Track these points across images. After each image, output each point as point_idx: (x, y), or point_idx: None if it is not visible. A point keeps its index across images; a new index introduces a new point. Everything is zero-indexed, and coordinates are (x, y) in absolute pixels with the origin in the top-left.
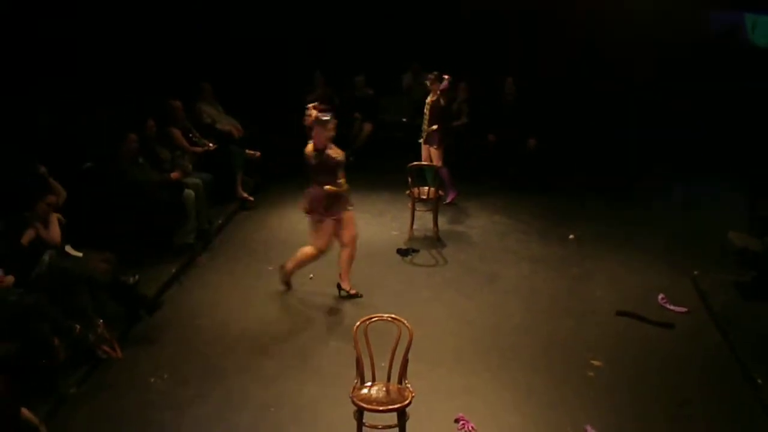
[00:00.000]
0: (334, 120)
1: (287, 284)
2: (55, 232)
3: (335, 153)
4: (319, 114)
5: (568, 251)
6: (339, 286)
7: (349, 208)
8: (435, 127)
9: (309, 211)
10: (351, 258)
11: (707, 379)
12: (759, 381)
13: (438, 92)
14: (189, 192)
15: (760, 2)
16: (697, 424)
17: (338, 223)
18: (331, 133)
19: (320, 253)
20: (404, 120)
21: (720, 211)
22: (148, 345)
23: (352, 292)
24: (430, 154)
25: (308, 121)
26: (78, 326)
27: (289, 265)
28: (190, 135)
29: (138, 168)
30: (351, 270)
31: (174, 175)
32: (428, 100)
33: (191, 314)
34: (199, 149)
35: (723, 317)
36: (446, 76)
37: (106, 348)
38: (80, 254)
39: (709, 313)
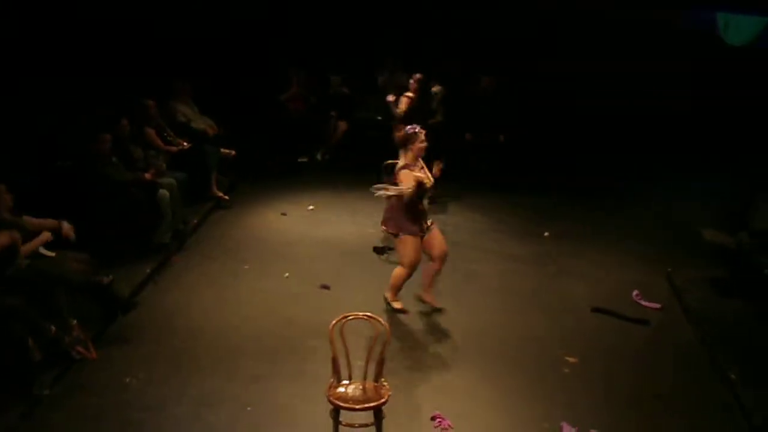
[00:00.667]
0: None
1: (402, 310)
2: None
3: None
4: (409, 129)
5: (544, 249)
6: (421, 299)
7: (429, 221)
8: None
9: (391, 228)
10: (436, 273)
11: (681, 375)
12: (732, 376)
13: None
14: (163, 192)
15: (732, 1)
16: (671, 419)
17: (424, 237)
18: (424, 144)
19: (412, 269)
20: (379, 118)
21: (694, 208)
22: (123, 345)
23: (437, 305)
24: None
25: (400, 137)
26: (53, 327)
27: (389, 294)
28: (165, 134)
29: (112, 168)
30: (434, 285)
31: (148, 175)
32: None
33: (166, 314)
34: (173, 148)
35: (696, 313)
36: (417, 75)
37: (80, 348)
38: (53, 254)
39: (683, 309)
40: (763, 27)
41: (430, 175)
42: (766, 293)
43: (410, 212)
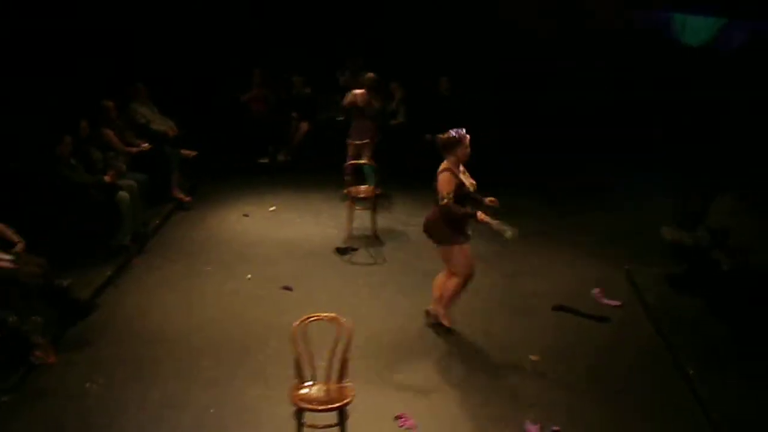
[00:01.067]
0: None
1: (449, 329)
2: None
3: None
4: (454, 133)
5: (504, 248)
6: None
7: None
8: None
9: (436, 237)
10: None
11: (641, 371)
12: (690, 372)
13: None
14: (123, 194)
15: (689, 2)
16: (634, 415)
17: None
18: (468, 150)
19: (467, 279)
20: (341, 119)
21: (652, 205)
22: (83, 349)
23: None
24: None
25: (443, 140)
26: (13, 317)
27: (439, 309)
28: (124, 135)
29: (71, 170)
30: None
31: (108, 177)
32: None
33: (127, 317)
34: (133, 150)
35: (656, 310)
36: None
37: (38, 353)
38: (10, 257)
39: (643, 305)
40: (720, 28)
41: (472, 179)
42: (724, 289)
43: (455, 219)
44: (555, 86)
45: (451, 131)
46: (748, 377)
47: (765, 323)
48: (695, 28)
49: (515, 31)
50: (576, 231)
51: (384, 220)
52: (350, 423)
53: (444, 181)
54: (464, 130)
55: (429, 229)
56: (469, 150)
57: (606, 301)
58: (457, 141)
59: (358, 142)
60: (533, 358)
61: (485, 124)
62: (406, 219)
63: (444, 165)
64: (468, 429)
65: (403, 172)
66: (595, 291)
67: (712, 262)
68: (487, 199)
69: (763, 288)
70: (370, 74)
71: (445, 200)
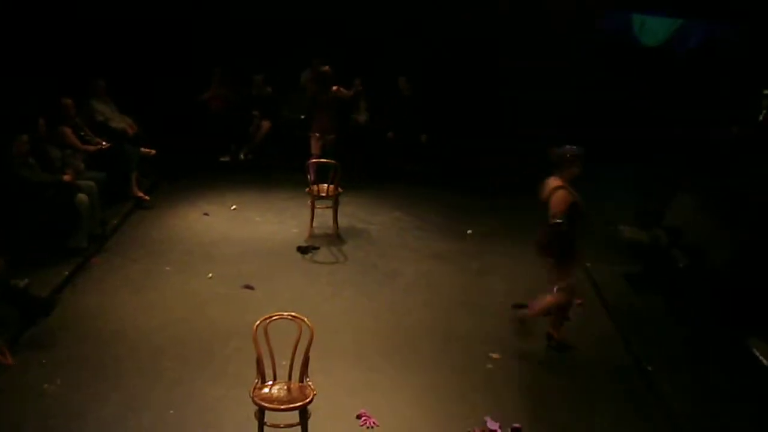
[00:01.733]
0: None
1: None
2: None
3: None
4: (569, 150)
5: (467, 246)
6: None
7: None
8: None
9: (552, 254)
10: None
11: (601, 367)
12: (649, 368)
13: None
14: (82, 196)
15: (647, 3)
16: (594, 411)
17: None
18: (579, 171)
19: (573, 295)
20: (303, 117)
21: (611, 204)
22: (41, 350)
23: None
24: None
25: (556, 155)
26: None
27: (554, 332)
28: (82, 133)
29: (28, 169)
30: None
31: (66, 177)
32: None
33: (86, 317)
34: (91, 148)
35: (614, 307)
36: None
37: None
38: None
39: (602, 303)
40: (677, 28)
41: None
42: (681, 287)
43: (572, 236)
44: (517, 86)
45: (567, 147)
46: (706, 373)
47: (721, 320)
48: (653, 29)
49: (478, 32)
50: (533, 228)
51: (346, 219)
52: (312, 422)
53: (560, 199)
54: (578, 147)
55: (546, 247)
56: (579, 171)
57: None
58: (572, 161)
59: (318, 135)
60: (494, 355)
61: (447, 123)
62: (367, 217)
63: (557, 182)
64: (429, 426)
65: (366, 169)
66: (555, 289)
67: (669, 260)
68: None
69: (719, 285)
70: (325, 67)
71: (558, 220)
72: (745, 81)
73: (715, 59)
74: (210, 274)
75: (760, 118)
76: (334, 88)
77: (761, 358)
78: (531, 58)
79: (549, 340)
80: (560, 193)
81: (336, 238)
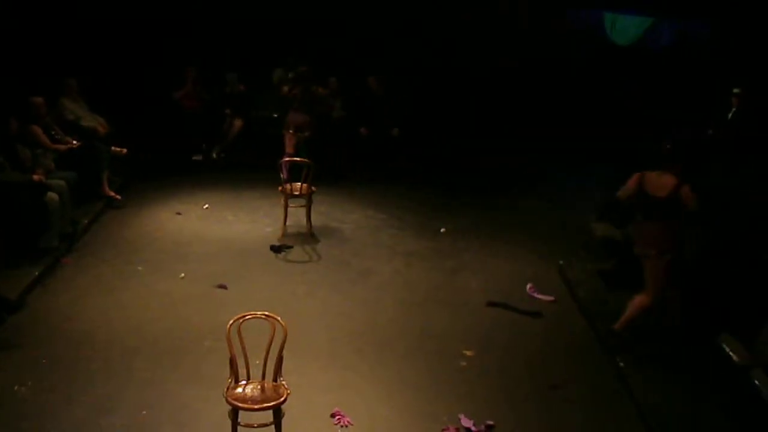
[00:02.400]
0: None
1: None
2: None
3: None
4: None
5: (440, 244)
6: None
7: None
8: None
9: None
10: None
11: (574, 364)
12: (621, 364)
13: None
14: (52, 195)
15: (619, 2)
16: (566, 406)
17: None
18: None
19: (655, 299)
20: (275, 116)
21: (583, 202)
22: (10, 351)
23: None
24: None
25: (667, 149)
26: None
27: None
28: (53, 132)
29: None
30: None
31: (36, 177)
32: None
33: (56, 318)
34: (61, 147)
35: (587, 304)
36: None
37: None
38: None
39: (575, 300)
40: (647, 27)
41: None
42: None
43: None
44: (493, 85)
45: (678, 140)
46: (676, 368)
47: (693, 315)
48: (624, 28)
49: (458, 31)
50: (510, 227)
51: (319, 218)
52: (286, 421)
53: (691, 194)
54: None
55: (656, 240)
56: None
57: (539, 296)
58: (686, 152)
59: (292, 132)
60: (468, 353)
61: (420, 121)
62: (341, 216)
63: (672, 177)
64: (403, 424)
65: (339, 167)
66: (529, 286)
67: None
68: None
69: (691, 280)
70: (304, 67)
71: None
72: (716, 79)
73: (687, 58)
74: (182, 274)
75: (729, 116)
76: (314, 87)
77: (731, 354)
78: (510, 56)
79: (612, 335)
80: (687, 188)
81: (309, 236)
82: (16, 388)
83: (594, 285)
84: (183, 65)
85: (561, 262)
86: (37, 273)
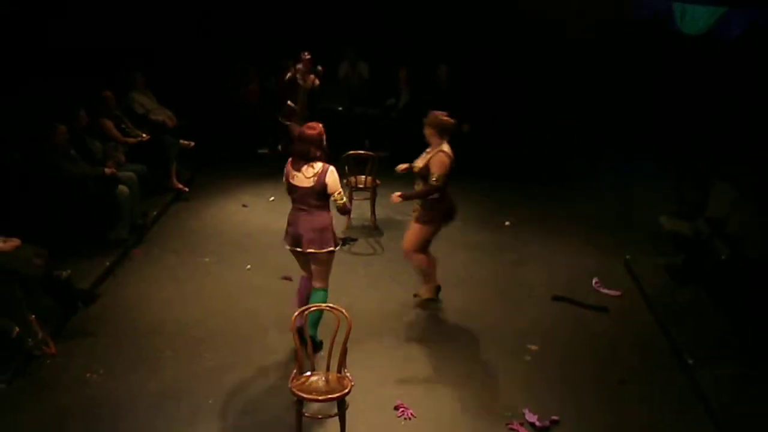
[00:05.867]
0: None
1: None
2: None
3: None
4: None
5: (504, 237)
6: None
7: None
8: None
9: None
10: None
11: (640, 361)
12: (690, 362)
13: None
14: (123, 188)
15: None
16: (632, 404)
17: None
18: None
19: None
20: (340, 108)
21: (651, 194)
22: (83, 340)
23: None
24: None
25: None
26: (17, 328)
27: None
28: (123, 126)
29: (70, 161)
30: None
31: (108, 170)
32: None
33: (126, 308)
34: (132, 140)
35: (655, 300)
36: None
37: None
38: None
39: (642, 295)
40: (719, 17)
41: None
42: (722, 279)
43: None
44: (550, 76)
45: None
46: (747, 367)
47: (763, 313)
48: (694, 17)
49: (521, 23)
50: (575, 220)
51: (383, 210)
52: (349, 413)
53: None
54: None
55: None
56: None
57: (605, 290)
58: (454, 125)
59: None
60: (532, 347)
61: (481, 111)
62: (404, 209)
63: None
64: (466, 418)
65: (404, 160)
66: (594, 281)
67: (710, 252)
68: None
69: (762, 277)
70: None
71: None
72: None
73: (757, 49)
74: (248, 266)
75: None
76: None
77: None
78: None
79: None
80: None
81: (373, 229)
82: (88, 375)
83: (661, 280)
84: (240, 63)
85: (627, 256)
86: (108, 264)
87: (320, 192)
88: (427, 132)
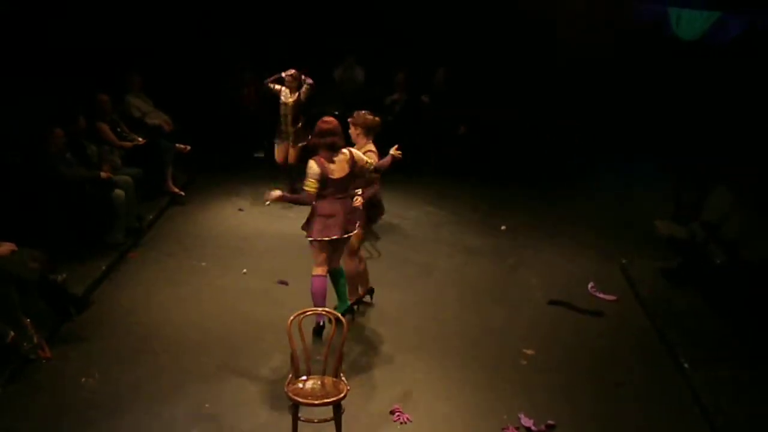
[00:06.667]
0: None
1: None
2: None
3: None
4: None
5: (500, 241)
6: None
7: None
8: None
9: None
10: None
11: (636, 365)
12: (685, 365)
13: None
14: (119, 192)
15: None
16: (628, 408)
17: None
18: None
19: None
20: (336, 113)
21: (650, 195)
22: (78, 344)
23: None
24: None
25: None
26: (12, 333)
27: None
28: (119, 129)
29: (66, 164)
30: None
31: (104, 173)
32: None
33: (122, 312)
34: (128, 144)
35: (651, 304)
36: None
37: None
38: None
39: (638, 299)
40: (714, 21)
41: None
42: (718, 283)
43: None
44: (550, 77)
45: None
46: (742, 369)
47: (758, 316)
48: (690, 22)
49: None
50: (571, 225)
51: None
52: (345, 417)
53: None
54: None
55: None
56: None
57: (601, 295)
58: (380, 124)
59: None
60: (528, 351)
61: (477, 113)
62: (401, 212)
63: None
64: (463, 423)
65: (399, 164)
66: (590, 285)
67: (706, 255)
68: None
69: (756, 281)
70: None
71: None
72: None
73: (754, 53)
74: (245, 270)
75: None
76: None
77: None
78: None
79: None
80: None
81: (370, 233)
82: (83, 379)
83: (657, 284)
84: (239, 64)
85: (623, 260)
86: (104, 267)
87: (357, 174)
88: (354, 132)
